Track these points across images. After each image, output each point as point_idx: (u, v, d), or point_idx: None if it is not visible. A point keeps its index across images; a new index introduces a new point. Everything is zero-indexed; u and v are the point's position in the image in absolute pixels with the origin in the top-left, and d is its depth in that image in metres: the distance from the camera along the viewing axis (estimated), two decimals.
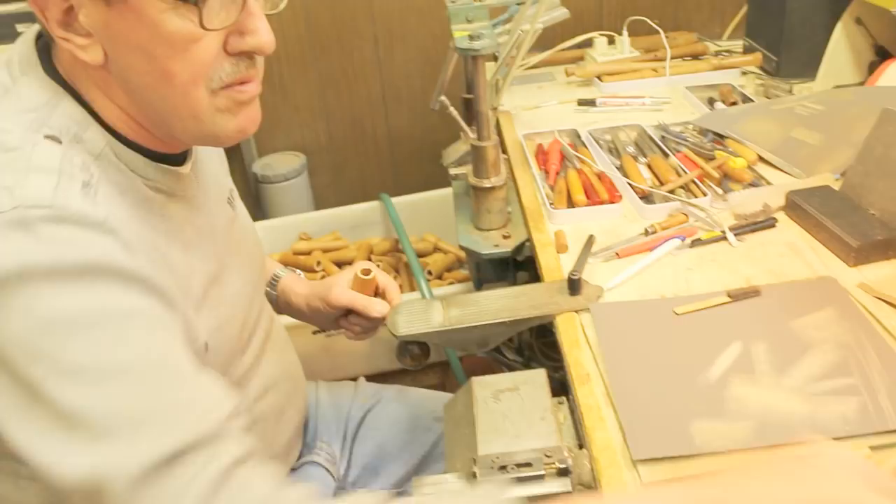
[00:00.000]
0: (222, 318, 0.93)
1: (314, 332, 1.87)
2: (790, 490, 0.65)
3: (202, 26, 0.75)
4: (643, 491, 0.79)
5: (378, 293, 1.22)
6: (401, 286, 2.20)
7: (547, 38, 2.14)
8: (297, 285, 1.27)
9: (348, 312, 1.22)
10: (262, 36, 0.80)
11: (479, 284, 1.54)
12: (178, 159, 0.90)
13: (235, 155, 2.60)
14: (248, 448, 0.75)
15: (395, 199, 2.39)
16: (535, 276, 1.31)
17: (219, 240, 0.97)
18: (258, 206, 2.55)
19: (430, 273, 2.16)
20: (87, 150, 0.79)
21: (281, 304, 1.28)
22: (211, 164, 1.03)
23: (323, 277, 2.18)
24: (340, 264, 2.28)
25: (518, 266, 1.46)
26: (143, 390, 0.71)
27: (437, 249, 2.35)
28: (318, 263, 2.22)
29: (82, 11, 0.75)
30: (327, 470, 1.22)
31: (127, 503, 0.67)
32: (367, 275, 1.20)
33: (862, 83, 1.70)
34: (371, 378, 1.40)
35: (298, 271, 1.33)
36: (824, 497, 0.64)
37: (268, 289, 1.25)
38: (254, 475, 0.73)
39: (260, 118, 0.88)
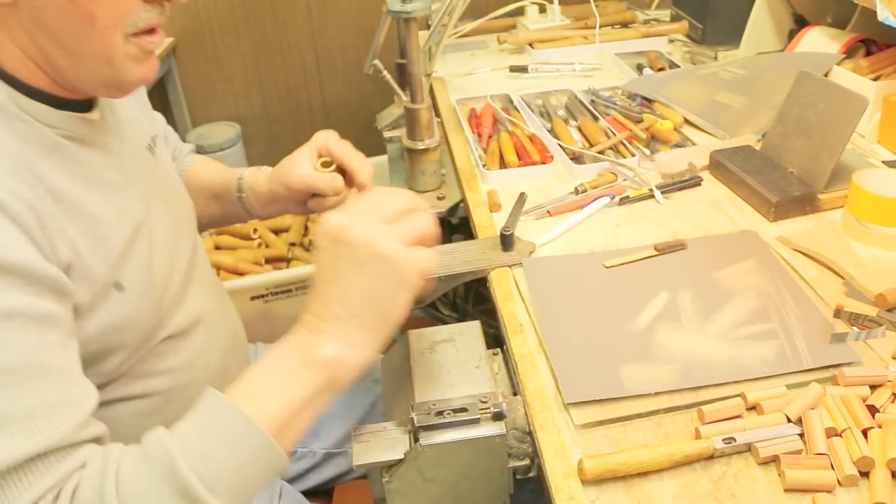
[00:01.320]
0: (151, 260, 0.93)
1: (251, 298, 1.88)
2: (357, 280, 0.78)
3: None
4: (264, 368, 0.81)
5: (346, 176, 1.14)
6: None
7: (479, 7, 2.17)
8: (259, 176, 1.23)
9: (314, 194, 1.15)
10: None
11: None
12: (85, 106, 0.90)
13: (169, 125, 2.56)
14: (103, 452, 0.75)
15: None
16: (471, 238, 1.34)
17: (143, 185, 0.97)
18: None
19: None
20: None
21: (253, 203, 1.24)
22: (127, 110, 1.02)
23: (260, 245, 2.18)
24: (277, 231, 2.27)
25: (454, 229, 1.48)
26: (9, 392, 0.70)
27: None
28: (255, 231, 2.21)
29: None
30: None
31: None
32: (327, 167, 1.13)
33: (782, 50, 1.75)
34: None
35: (265, 167, 1.26)
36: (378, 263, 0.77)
37: (237, 193, 1.24)
38: (108, 478, 0.72)
39: (158, 67, 0.90)
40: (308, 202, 1.17)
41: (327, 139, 1.15)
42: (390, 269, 0.77)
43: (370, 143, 2.58)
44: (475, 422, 0.85)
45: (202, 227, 1.27)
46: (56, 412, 0.72)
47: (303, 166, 1.14)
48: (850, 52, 1.51)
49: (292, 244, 2.21)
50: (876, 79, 1.40)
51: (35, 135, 0.82)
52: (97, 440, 0.76)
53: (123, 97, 0.92)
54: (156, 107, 1.26)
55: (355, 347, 0.78)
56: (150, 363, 0.96)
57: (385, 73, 1.37)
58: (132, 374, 0.93)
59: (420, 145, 1.36)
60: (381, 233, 0.78)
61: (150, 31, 0.84)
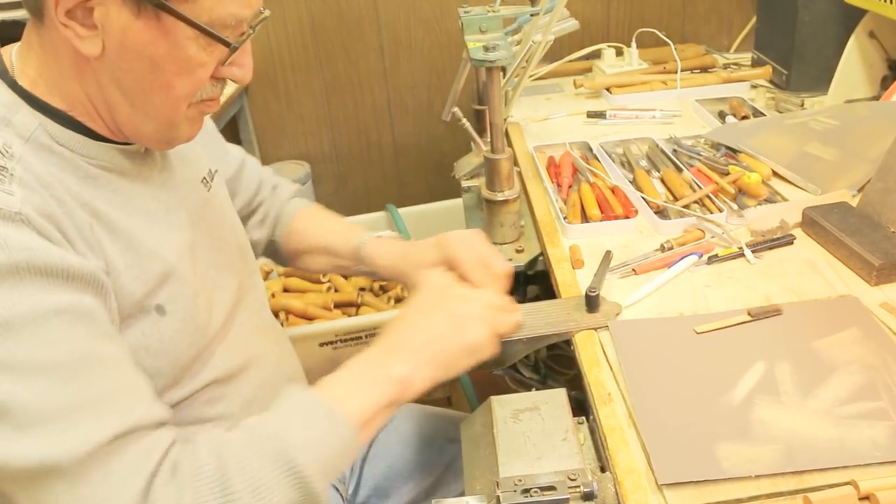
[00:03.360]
0: (195, 290, 0.94)
1: (320, 345, 1.86)
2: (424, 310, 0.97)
3: (222, 63, 0.85)
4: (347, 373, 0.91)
5: None
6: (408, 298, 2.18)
7: (555, 50, 2.13)
8: (382, 248, 1.23)
9: None
10: (249, 71, 0.89)
11: None
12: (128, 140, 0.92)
13: None
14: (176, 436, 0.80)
15: (401, 210, 2.37)
16: (547, 291, 1.30)
17: (190, 217, 0.98)
18: None
19: None
20: (16, 132, 0.80)
21: (375, 272, 1.25)
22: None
23: (329, 289, 2.16)
24: (347, 275, 2.25)
25: (528, 280, 1.44)
26: (73, 383, 0.73)
27: None
28: (325, 274, 2.19)
29: (100, 9, 0.77)
30: (336, 489, 1.19)
31: (72, 487, 0.71)
32: None
33: (875, 97, 1.68)
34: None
35: (388, 234, 1.27)
36: (458, 317, 0.95)
37: (357, 265, 1.25)
38: (188, 455, 0.78)
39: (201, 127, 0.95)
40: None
41: (457, 251, 1.12)
42: (471, 333, 0.94)
43: (440, 185, 2.58)
44: (564, 502, 0.80)
45: (311, 273, 1.31)
46: (122, 396, 0.76)
47: (428, 274, 1.12)
48: None
49: (362, 289, 2.18)
50: None
51: (68, 165, 0.84)
52: (165, 423, 0.81)
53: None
54: None
55: (420, 377, 0.90)
56: (198, 409, 0.96)
57: (464, 121, 1.35)
58: (181, 421, 0.92)
59: (499, 196, 1.33)
60: (479, 304, 0.98)
61: (211, 98, 0.90)
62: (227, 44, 0.82)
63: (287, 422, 0.82)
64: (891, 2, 1.49)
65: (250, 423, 0.83)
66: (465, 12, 1.44)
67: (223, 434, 0.82)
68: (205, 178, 1.07)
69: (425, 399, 1.41)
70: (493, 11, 1.43)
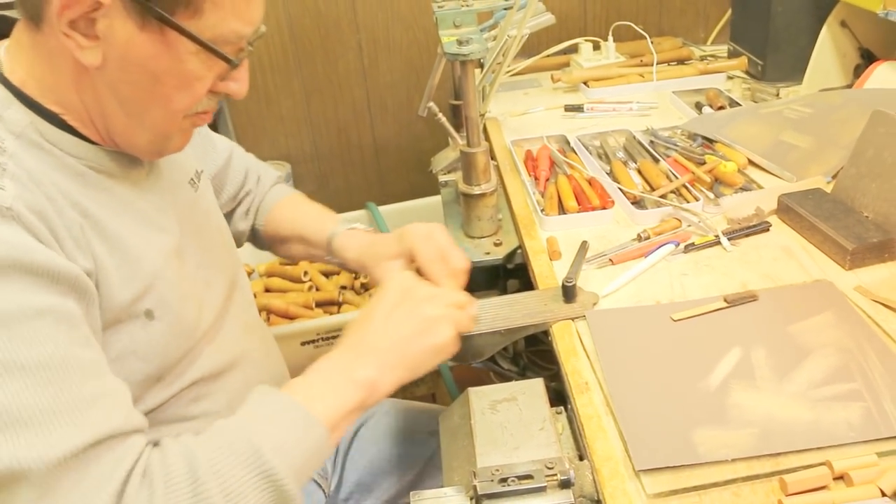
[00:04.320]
0: (183, 293, 0.94)
1: (302, 343, 1.85)
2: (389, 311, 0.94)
3: (220, 78, 0.86)
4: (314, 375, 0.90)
5: None
6: None
7: (532, 45, 2.13)
8: (352, 242, 1.23)
9: None
10: (245, 85, 0.90)
11: (470, 292, 1.51)
12: None
13: None
14: (167, 440, 0.80)
15: (381, 208, 2.37)
16: (526, 284, 1.30)
17: (179, 219, 0.98)
18: None
19: None
20: (6, 127, 0.80)
21: (343, 264, 1.27)
22: None
23: (310, 288, 2.16)
24: (328, 274, 2.25)
25: (508, 274, 1.44)
26: (50, 387, 0.72)
27: None
28: (305, 273, 2.20)
29: (104, 21, 0.77)
30: (318, 485, 1.19)
31: (41, 496, 0.69)
32: None
33: (849, 86, 1.69)
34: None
35: (358, 225, 1.28)
36: (424, 319, 0.93)
37: (327, 256, 1.27)
38: (159, 461, 0.77)
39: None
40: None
41: (416, 245, 1.12)
42: (437, 334, 0.93)
43: (421, 183, 2.58)
44: (541, 490, 0.81)
45: (289, 260, 1.31)
46: (100, 403, 0.75)
47: (388, 267, 1.15)
48: None
49: (343, 287, 2.18)
50: None
51: (57, 163, 0.83)
52: (142, 430, 0.80)
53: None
54: None
55: (387, 380, 0.90)
56: (182, 408, 0.96)
57: (440, 115, 1.34)
58: (165, 419, 0.93)
59: (476, 190, 1.33)
60: (442, 305, 0.96)
61: (206, 111, 0.91)
62: (228, 60, 0.83)
63: (260, 424, 0.82)
64: None
65: (222, 425, 0.82)
66: (440, 7, 1.44)
67: (195, 438, 0.80)
68: (192, 179, 1.07)
69: (408, 395, 1.41)
70: (467, 6, 1.43)
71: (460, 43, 1.25)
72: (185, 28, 0.78)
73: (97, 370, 0.78)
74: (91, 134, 0.86)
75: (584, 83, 1.96)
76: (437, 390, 1.99)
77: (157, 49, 0.79)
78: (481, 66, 1.48)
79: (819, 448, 0.83)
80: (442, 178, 1.59)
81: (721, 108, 1.75)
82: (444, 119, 1.34)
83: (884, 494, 0.75)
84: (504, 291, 1.47)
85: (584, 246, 1.18)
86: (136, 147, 0.89)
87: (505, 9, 1.58)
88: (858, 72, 1.68)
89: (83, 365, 0.76)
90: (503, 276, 1.45)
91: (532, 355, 1.43)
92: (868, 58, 1.68)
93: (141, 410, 0.88)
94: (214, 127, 2.49)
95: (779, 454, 0.82)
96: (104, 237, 0.84)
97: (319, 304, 2.11)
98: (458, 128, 1.39)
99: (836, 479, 0.79)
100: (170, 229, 0.95)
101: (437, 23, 1.41)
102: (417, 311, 0.94)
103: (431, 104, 1.37)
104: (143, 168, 0.95)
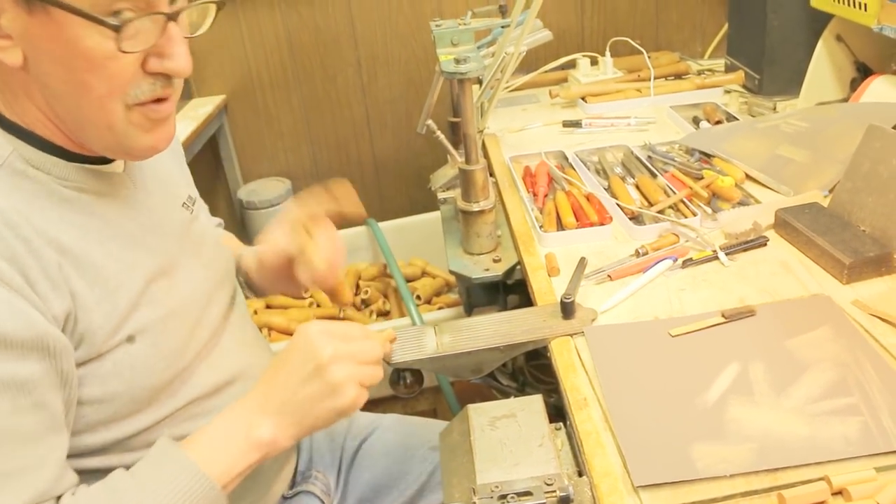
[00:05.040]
0: (170, 312, 0.93)
1: None
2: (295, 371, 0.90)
3: (119, 49, 0.77)
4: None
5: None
6: (390, 311, 2.19)
7: (530, 61, 2.15)
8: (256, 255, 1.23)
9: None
10: (179, 61, 0.83)
11: (470, 309, 1.52)
12: (106, 159, 0.91)
13: (220, 181, 2.59)
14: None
15: (381, 224, 2.38)
16: (526, 300, 1.30)
17: (169, 238, 0.98)
18: (244, 233, 2.53)
19: (419, 298, 2.15)
20: None
21: (258, 281, 1.26)
22: (161, 165, 1.04)
23: (311, 305, 2.16)
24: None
25: (508, 290, 1.45)
26: None
27: (425, 274, 2.34)
28: (307, 290, 2.20)
29: (5, 16, 0.76)
30: (322, 501, 1.20)
31: None
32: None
33: (845, 100, 1.70)
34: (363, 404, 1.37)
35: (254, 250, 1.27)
36: (330, 383, 0.89)
37: (238, 276, 1.25)
38: None
39: (173, 135, 0.91)
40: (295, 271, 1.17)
41: (293, 207, 1.15)
42: (341, 398, 0.89)
43: (421, 199, 2.59)
44: None
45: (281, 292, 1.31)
46: (28, 475, 0.76)
47: (273, 234, 1.17)
48: None
49: (344, 303, 2.19)
50: None
51: (41, 190, 0.83)
52: (71, 489, 0.81)
53: (141, 160, 0.94)
54: (207, 163, 1.26)
55: (284, 437, 0.89)
56: (180, 427, 0.96)
57: (438, 133, 1.36)
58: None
59: (475, 207, 1.34)
60: (350, 364, 0.90)
61: (159, 100, 0.85)
62: (105, 24, 0.76)
63: (156, 486, 0.82)
64: (854, 6, 1.51)
65: (119, 482, 0.83)
66: (437, 25, 1.45)
67: (95, 494, 0.82)
68: (185, 203, 1.07)
69: (409, 410, 1.42)
70: (465, 24, 1.44)
71: (458, 61, 1.27)
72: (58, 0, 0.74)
73: (36, 436, 0.78)
74: (64, 143, 0.86)
75: (582, 98, 1.97)
76: (439, 406, 2.00)
77: (51, 31, 0.76)
78: (479, 82, 1.49)
79: (817, 463, 0.83)
80: (441, 195, 1.60)
81: (718, 122, 1.76)
82: (442, 136, 1.35)
83: None
84: (504, 307, 1.48)
85: (582, 262, 1.19)
86: (95, 145, 0.86)
87: (502, 26, 1.59)
88: (854, 85, 1.69)
89: (21, 434, 0.76)
90: (503, 291, 1.46)
91: (533, 369, 1.43)
92: (864, 72, 1.69)
93: (131, 432, 0.90)
94: (215, 144, 2.50)
95: (777, 469, 0.83)
96: (83, 271, 0.84)
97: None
98: (456, 145, 1.40)
99: (834, 494, 0.79)
100: (158, 249, 0.95)
101: (435, 41, 1.43)
102: (323, 374, 0.89)
103: (430, 122, 1.38)
104: (134, 186, 0.95)
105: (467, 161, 1.33)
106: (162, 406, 0.93)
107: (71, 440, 0.85)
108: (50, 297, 0.79)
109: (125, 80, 0.80)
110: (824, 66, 1.74)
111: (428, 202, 2.35)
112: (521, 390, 1.34)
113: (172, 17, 0.81)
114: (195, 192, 1.18)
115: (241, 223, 2.54)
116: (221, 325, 1.05)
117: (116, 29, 0.76)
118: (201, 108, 2.33)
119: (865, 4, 1.48)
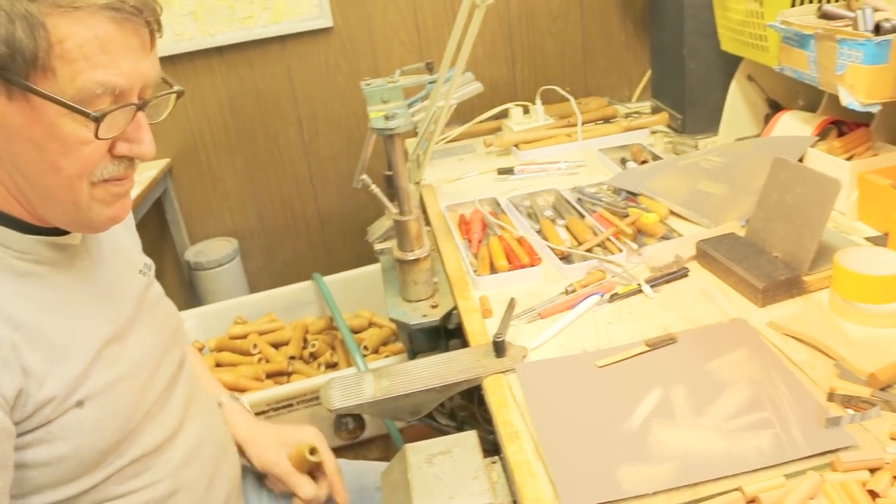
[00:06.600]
0: (120, 376, 0.95)
1: (256, 415, 1.87)
2: None
3: (96, 137, 0.82)
4: None
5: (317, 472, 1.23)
6: (338, 363, 2.21)
7: (465, 112, 2.23)
8: (236, 419, 1.26)
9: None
10: (146, 146, 0.88)
11: (414, 355, 1.56)
12: (62, 230, 0.93)
13: (167, 243, 2.61)
14: None
15: (327, 278, 2.41)
16: (467, 343, 1.35)
17: (123, 305, 1.01)
18: (192, 293, 2.55)
19: (366, 348, 2.18)
20: None
21: None
22: (116, 236, 1.07)
23: (260, 360, 2.18)
24: (277, 345, 2.28)
25: (449, 335, 1.49)
26: None
27: (371, 324, 2.37)
28: (255, 346, 2.22)
29: None
30: None
31: None
32: (313, 454, 1.18)
33: (759, 135, 1.80)
34: None
35: (242, 398, 1.32)
36: None
37: None
38: None
39: (130, 207, 0.95)
40: (266, 480, 1.26)
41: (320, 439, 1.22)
42: None
43: (366, 252, 2.61)
44: None
45: None
46: None
47: (278, 452, 1.22)
48: (822, 134, 1.55)
49: (292, 357, 2.21)
50: (849, 158, 1.44)
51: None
52: None
53: (100, 232, 0.98)
54: (153, 226, 1.29)
55: None
56: (127, 483, 0.97)
57: (373, 186, 1.41)
58: (102, 499, 0.95)
59: (410, 256, 1.39)
60: None
61: (118, 178, 0.89)
62: (86, 115, 0.80)
63: None
64: (758, 49, 1.61)
65: None
66: (367, 84, 1.51)
67: None
68: (141, 270, 1.09)
69: (361, 458, 1.44)
70: (393, 82, 1.50)
71: (387, 118, 1.33)
72: (41, 90, 0.78)
73: None
74: (24, 216, 0.88)
75: (516, 146, 2.05)
76: (389, 453, 2.02)
77: (29, 117, 0.79)
78: (419, 133, 1.55)
79: (734, 475, 0.88)
80: (378, 247, 1.65)
81: (644, 162, 1.84)
82: (377, 190, 1.41)
83: None
84: (447, 351, 1.52)
85: (511, 303, 1.24)
86: (58, 220, 0.89)
87: (430, 82, 1.66)
88: (767, 121, 1.78)
89: None
90: (445, 337, 1.50)
91: (484, 411, 1.47)
92: (775, 108, 1.79)
93: (76, 492, 0.91)
94: (160, 207, 2.53)
95: (697, 484, 0.88)
96: (36, 343, 0.86)
97: (270, 375, 2.14)
98: (392, 197, 1.45)
99: (748, 502, 0.85)
100: (111, 316, 0.97)
101: (366, 99, 1.49)
102: None
103: (364, 176, 1.43)
104: (89, 257, 0.98)
105: (401, 212, 1.39)
106: (109, 466, 0.95)
107: (16, 502, 0.86)
108: (2, 373, 0.81)
109: (95, 162, 0.85)
110: (739, 105, 1.84)
111: (371, 256, 2.39)
112: (460, 429, 1.37)
113: (141, 106, 0.86)
114: (147, 258, 1.21)
115: (189, 284, 2.56)
116: (171, 384, 1.07)
117: (96, 119, 0.80)
118: (146, 172, 2.36)
119: (767, 47, 1.58)
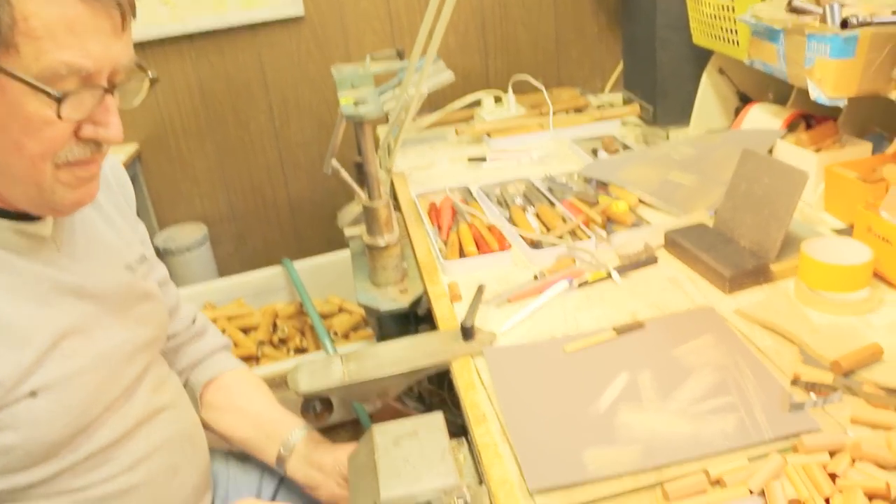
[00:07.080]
0: (80, 369, 0.94)
1: None
2: None
3: (59, 116, 0.80)
4: None
5: None
6: (307, 348, 2.21)
7: (438, 100, 2.23)
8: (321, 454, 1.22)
9: None
10: (113, 130, 0.86)
11: (382, 339, 1.56)
12: (32, 216, 0.92)
13: None
14: None
15: (297, 263, 2.40)
16: (436, 329, 1.35)
17: (94, 299, 0.99)
18: None
19: (335, 333, 2.18)
20: None
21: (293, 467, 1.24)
22: (101, 231, 1.05)
23: None
24: (246, 331, 2.27)
25: (419, 321, 1.49)
26: None
27: (341, 310, 2.37)
28: (224, 332, 2.21)
29: None
30: None
31: None
32: None
33: (729, 127, 1.81)
34: None
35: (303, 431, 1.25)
36: None
37: (277, 463, 1.23)
38: None
39: (97, 191, 0.93)
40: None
41: None
42: None
43: (337, 237, 2.62)
44: None
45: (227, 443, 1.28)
46: None
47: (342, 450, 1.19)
48: (791, 127, 1.57)
49: (261, 342, 2.20)
50: (817, 151, 1.45)
51: None
52: None
53: (65, 216, 0.96)
54: None
55: None
56: (84, 477, 0.96)
57: (343, 172, 1.40)
58: (58, 491, 0.93)
59: (380, 241, 1.39)
60: None
61: (83, 161, 0.87)
62: (48, 94, 0.78)
63: None
64: (729, 42, 1.62)
65: None
66: (338, 70, 1.51)
67: None
68: (130, 264, 1.07)
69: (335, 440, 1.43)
70: (364, 69, 1.50)
71: (357, 104, 1.32)
72: (5, 68, 0.76)
73: None
74: None
75: (487, 134, 2.05)
76: (358, 436, 2.02)
77: None
78: (389, 120, 1.54)
79: (699, 458, 0.89)
80: (348, 232, 1.64)
81: (615, 152, 1.85)
82: (346, 175, 1.40)
83: (752, 493, 0.82)
84: None
85: (480, 288, 1.24)
86: (20, 201, 0.88)
87: (401, 69, 1.65)
88: (738, 113, 1.80)
89: None
90: (414, 322, 1.50)
91: (451, 393, 1.47)
92: (745, 100, 1.81)
93: (25, 483, 0.90)
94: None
95: (661, 466, 0.89)
96: None
97: None
98: (361, 184, 1.45)
99: (713, 483, 0.86)
100: (76, 309, 0.96)
101: (337, 85, 1.48)
102: None
103: (334, 162, 1.42)
104: (56, 246, 0.95)
105: (370, 198, 1.38)
106: (62, 459, 0.93)
107: None
108: None
109: (58, 143, 0.83)
110: (710, 97, 1.85)
111: (342, 241, 2.39)
112: (429, 411, 1.37)
113: (109, 90, 0.84)
114: (149, 251, 1.19)
115: None
116: (139, 378, 1.05)
117: (58, 99, 0.79)
118: (114, 157, 2.32)
119: (737, 41, 1.59)
